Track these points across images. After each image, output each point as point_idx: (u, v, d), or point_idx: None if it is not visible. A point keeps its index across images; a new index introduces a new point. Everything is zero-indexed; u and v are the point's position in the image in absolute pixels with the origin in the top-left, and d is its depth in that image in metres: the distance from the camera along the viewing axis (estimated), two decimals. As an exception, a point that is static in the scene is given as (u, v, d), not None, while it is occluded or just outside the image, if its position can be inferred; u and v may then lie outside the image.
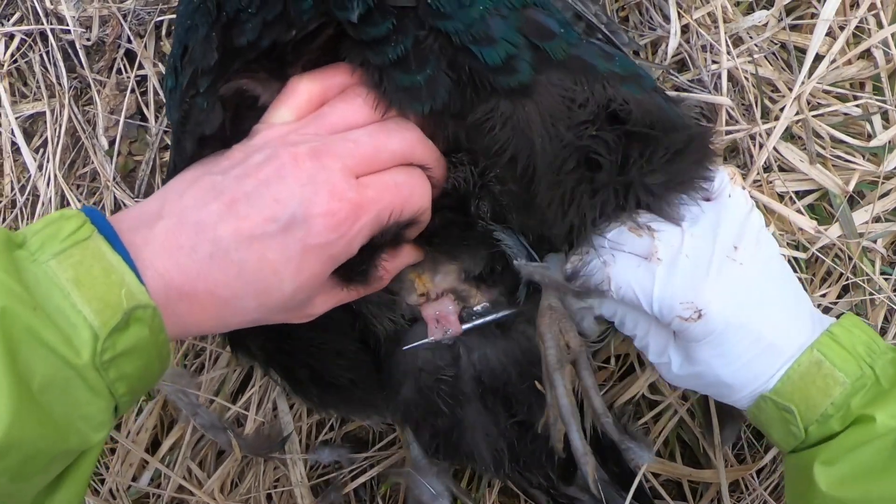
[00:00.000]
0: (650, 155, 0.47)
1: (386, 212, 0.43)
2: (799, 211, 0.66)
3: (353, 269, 0.44)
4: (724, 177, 0.51)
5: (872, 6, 0.67)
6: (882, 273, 0.66)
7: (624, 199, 0.47)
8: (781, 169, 0.66)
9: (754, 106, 0.64)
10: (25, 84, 0.74)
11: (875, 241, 0.68)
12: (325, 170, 0.41)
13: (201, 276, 0.39)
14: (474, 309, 0.53)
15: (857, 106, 0.68)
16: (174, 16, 0.69)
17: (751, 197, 0.62)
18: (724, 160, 0.65)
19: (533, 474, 0.59)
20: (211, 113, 0.43)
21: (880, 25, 0.67)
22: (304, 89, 0.44)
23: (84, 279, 0.36)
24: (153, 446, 0.69)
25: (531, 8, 0.45)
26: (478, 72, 0.42)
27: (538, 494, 0.62)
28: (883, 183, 0.68)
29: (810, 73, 0.65)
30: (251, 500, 0.68)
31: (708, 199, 0.51)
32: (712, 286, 0.47)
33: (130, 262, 0.38)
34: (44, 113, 0.72)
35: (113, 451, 0.69)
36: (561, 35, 0.45)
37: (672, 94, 0.63)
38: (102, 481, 0.69)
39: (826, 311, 0.67)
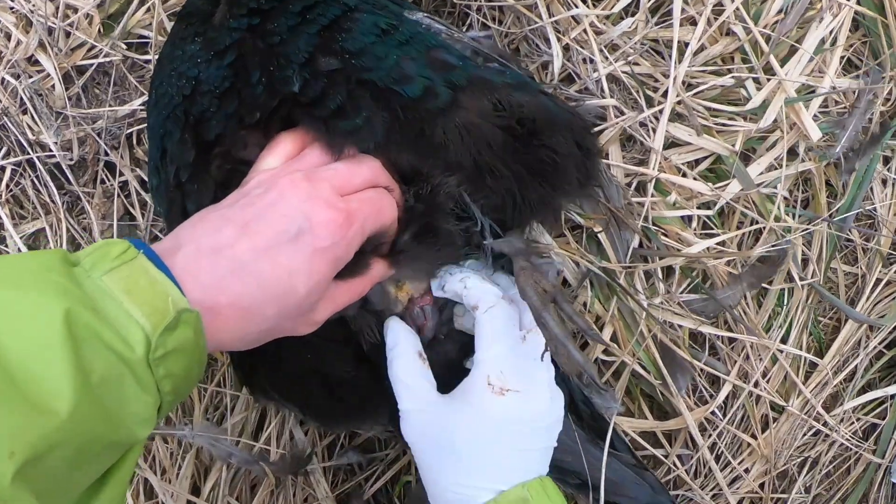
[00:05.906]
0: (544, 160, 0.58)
1: (368, 220, 0.51)
2: (695, 178, 0.76)
3: (349, 271, 0.53)
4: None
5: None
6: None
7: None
8: (675, 145, 0.77)
9: (638, 97, 0.75)
10: (22, 207, 0.82)
11: (776, 187, 0.78)
12: (318, 189, 0.49)
13: (223, 290, 0.45)
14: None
15: (732, 77, 0.79)
16: (141, 126, 0.79)
17: (654, 172, 0.73)
18: (623, 147, 0.76)
19: None
20: (203, 192, 0.54)
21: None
22: (287, 141, 0.54)
23: (133, 289, 0.41)
24: (194, 491, 0.78)
25: (434, 49, 0.56)
26: (407, 106, 0.53)
27: None
28: (767, 137, 0.79)
29: (682, 59, 0.76)
30: (286, 521, 0.77)
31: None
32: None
33: (172, 278, 0.43)
34: (44, 229, 0.81)
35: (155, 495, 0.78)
36: (460, 66, 0.56)
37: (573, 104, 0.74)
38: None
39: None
